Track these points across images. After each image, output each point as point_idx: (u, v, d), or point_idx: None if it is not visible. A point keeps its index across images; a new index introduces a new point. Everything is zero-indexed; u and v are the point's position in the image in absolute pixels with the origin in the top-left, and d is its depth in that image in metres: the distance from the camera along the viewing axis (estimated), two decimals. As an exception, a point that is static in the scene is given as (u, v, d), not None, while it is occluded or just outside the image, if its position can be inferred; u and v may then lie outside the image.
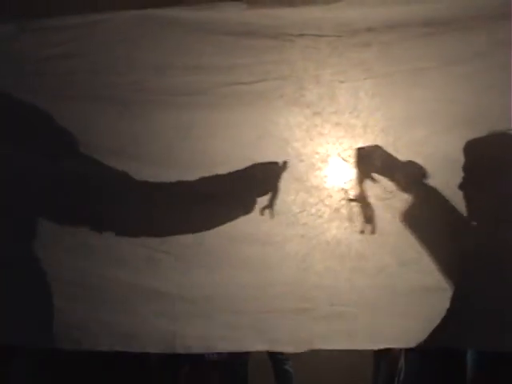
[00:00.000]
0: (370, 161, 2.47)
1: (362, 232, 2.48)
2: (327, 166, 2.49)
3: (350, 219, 2.47)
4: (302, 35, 2.42)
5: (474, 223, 2.48)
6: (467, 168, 2.43)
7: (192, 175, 2.51)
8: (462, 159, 2.42)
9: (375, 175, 2.47)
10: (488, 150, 2.43)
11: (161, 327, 2.58)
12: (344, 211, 2.49)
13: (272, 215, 2.49)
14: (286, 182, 2.51)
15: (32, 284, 2.56)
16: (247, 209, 2.51)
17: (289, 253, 2.54)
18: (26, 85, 2.51)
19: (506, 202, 2.43)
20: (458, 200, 2.45)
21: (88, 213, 2.57)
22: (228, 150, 2.51)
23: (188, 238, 2.57)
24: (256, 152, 2.50)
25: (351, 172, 2.48)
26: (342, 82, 2.44)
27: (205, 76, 2.46)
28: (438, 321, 2.47)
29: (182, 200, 2.54)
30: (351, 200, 2.48)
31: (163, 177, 2.52)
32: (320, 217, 2.50)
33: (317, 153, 2.48)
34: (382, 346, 2.67)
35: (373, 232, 2.47)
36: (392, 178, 2.47)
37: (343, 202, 2.49)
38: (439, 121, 2.44)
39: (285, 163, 2.48)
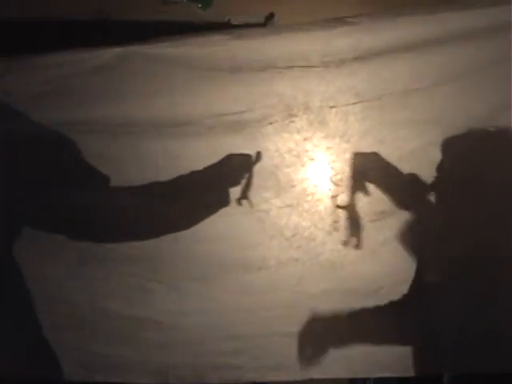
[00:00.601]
0: (365, 169, 2.48)
1: (345, 243, 2.48)
2: (319, 190, 2.47)
3: (335, 229, 2.47)
4: (289, 67, 2.40)
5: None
6: (444, 169, 2.46)
7: (180, 206, 2.52)
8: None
9: (369, 185, 2.48)
10: (467, 154, 2.46)
11: (154, 358, 2.58)
12: (336, 234, 2.48)
13: (251, 205, 2.48)
14: (278, 208, 2.50)
15: (21, 315, 2.54)
16: (222, 200, 2.51)
17: (283, 277, 2.54)
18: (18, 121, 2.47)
19: (491, 204, 2.46)
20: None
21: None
22: (216, 179, 2.50)
23: (180, 267, 2.56)
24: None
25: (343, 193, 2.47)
26: (331, 107, 2.43)
27: (192, 108, 2.44)
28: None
29: (159, 200, 2.53)
30: (338, 206, 2.48)
31: (151, 208, 2.51)
32: (313, 240, 2.50)
33: (308, 178, 2.47)
34: (380, 375, 2.65)
35: (357, 246, 2.48)
36: (389, 192, 2.48)
37: (336, 225, 2.47)
38: (430, 141, 2.45)
39: (258, 154, 2.46)
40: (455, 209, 2.48)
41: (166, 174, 2.51)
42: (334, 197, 2.48)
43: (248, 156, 2.48)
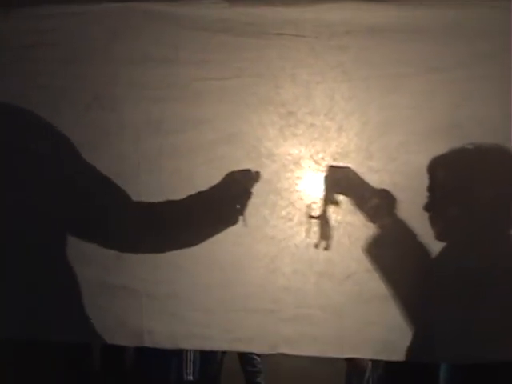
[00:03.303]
0: (338, 181, 2.46)
1: (316, 246, 2.46)
2: (299, 168, 2.45)
3: (308, 234, 2.46)
4: (280, 34, 2.39)
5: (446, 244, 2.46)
6: (435, 187, 2.43)
7: (160, 172, 2.50)
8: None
9: (340, 197, 2.46)
10: (456, 166, 2.45)
11: (129, 322, 2.58)
12: (314, 215, 2.46)
13: (245, 224, 2.48)
14: (256, 183, 2.48)
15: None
16: (231, 219, 2.50)
17: (257, 254, 2.52)
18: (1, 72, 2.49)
19: (479, 220, 2.44)
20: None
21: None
22: (198, 146, 2.48)
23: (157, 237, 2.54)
24: (227, 150, 2.47)
25: (322, 176, 2.45)
26: (318, 82, 2.41)
27: (179, 70, 2.43)
28: (406, 331, 2.45)
29: (171, 221, 2.55)
30: (311, 217, 2.46)
31: (131, 172, 2.50)
32: (290, 220, 2.48)
33: (289, 154, 2.45)
34: (347, 355, 2.62)
35: (326, 248, 2.46)
36: (359, 205, 2.46)
37: (314, 206, 2.45)
38: (414, 128, 2.42)
39: (257, 173, 2.46)
40: (447, 219, 2.47)
41: (148, 139, 2.50)
42: (325, 178, 2.47)
43: (248, 172, 2.47)
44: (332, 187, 2.46)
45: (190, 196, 2.49)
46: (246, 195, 2.48)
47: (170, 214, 2.54)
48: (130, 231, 2.56)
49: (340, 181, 2.46)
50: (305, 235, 2.47)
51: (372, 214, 2.46)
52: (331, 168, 2.45)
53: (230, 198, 2.51)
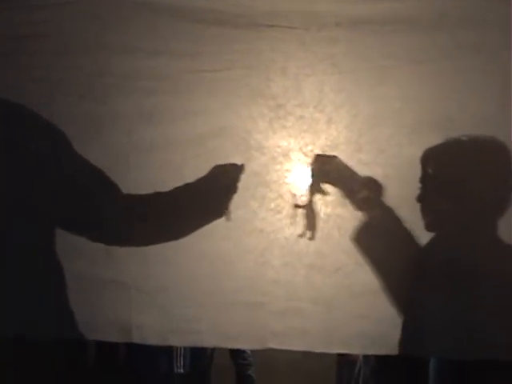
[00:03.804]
0: (325, 170, 2.45)
1: (301, 236, 2.46)
2: (288, 160, 2.46)
3: (293, 223, 2.46)
4: (271, 26, 2.40)
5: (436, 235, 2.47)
6: (426, 179, 2.43)
7: (151, 162, 2.50)
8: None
9: (328, 186, 2.46)
10: (448, 158, 2.45)
11: (117, 317, 2.56)
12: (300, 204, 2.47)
13: (228, 218, 2.48)
14: (245, 176, 2.48)
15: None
16: (218, 211, 2.49)
17: (247, 247, 2.51)
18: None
19: (472, 211, 2.44)
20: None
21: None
22: (188, 138, 2.48)
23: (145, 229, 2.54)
24: (217, 142, 2.47)
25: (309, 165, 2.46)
26: (308, 75, 2.42)
27: (170, 61, 2.44)
28: (395, 325, 2.45)
29: (160, 212, 2.54)
30: (297, 206, 2.46)
31: (123, 163, 2.49)
32: (279, 212, 2.48)
33: (279, 146, 2.45)
34: (337, 350, 2.62)
35: (311, 238, 2.46)
36: (347, 193, 2.46)
37: (303, 198, 2.45)
38: (403, 120, 2.43)
39: (242, 166, 2.46)
40: (438, 210, 2.47)
41: (140, 131, 2.50)
42: (311, 167, 2.47)
43: (235, 166, 2.47)
44: (318, 176, 2.46)
45: (178, 188, 2.49)
46: (231, 190, 2.48)
47: (158, 206, 2.53)
48: (119, 224, 2.55)
49: (326, 170, 2.46)
50: (290, 224, 2.46)
51: (360, 203, 2.47)
52: (317, 157, 2.45)
53: (217, 190, 2.50)
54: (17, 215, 2.51)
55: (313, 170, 2.46)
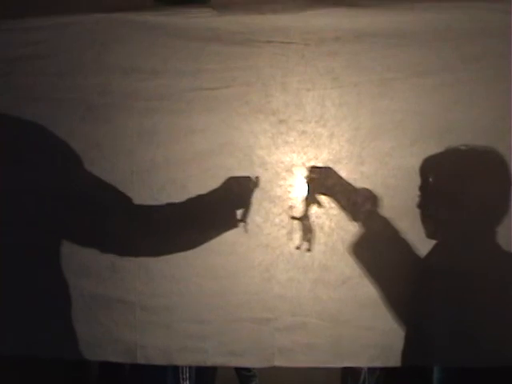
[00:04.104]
0: (320, 181, 2.46)
1: (298, 248, 2.48)
2: (291, 175, 2.46)
3: (290, 235, 2.47)
4: (269, 42, 2.40)
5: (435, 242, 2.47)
6: (426, 187, 2.44)
7: (153, 182, 2.50)
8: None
9: (323, 198, 2.46)
10: (448, 168, 2.45)
11: (122, 337, 2.56)
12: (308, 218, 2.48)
13: (246, 230, 2.47)
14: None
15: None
16: (230, 223, 2.50)
17: (252, 263, 2.52)
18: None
19: (472, 220, 2.44)
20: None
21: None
22: (191, 156, 2.48)
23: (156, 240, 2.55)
24: (220, 159, 2.47)
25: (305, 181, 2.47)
26: (308, 90, 2.42)
27: (170, 80, 2.44)
28: (402, 335, 2.47)
29: (173, 223, 2.54)
30: (293, 218, 2.47)
31: (124, 183, 2.50)
32: (283, 227, 2.48)
33: (282, 162, 2.46)
34: (344, 364, 2.62)
35: (309, 250, 2.47)
36: (342, 203, 2.46)
37: (309, 210, 2.46)
38: (405, 132, 2.43)
39: (257, 178, 2.46)
40: (438, 219, 2.48)
41: (141, 150, 2.50)
42: (306, 179, 2.47)
43: (248, 179, 2.47)
44: (313, 188, 2.46)
45: (190, 199, 2.48)
46: (246, 203, 2.48)
47: (169, 217, 2.53)
48: (129, 234, 2.55)
49: (321, 181, 2.46)
50: (287, 238, 2.46)
51: (356, 214, 2.47)
52: (312, 169, 2.46)
53: (229, 202, 2.51)
54: (23, 231, 2.52)
55: (308, 182, 2.46)
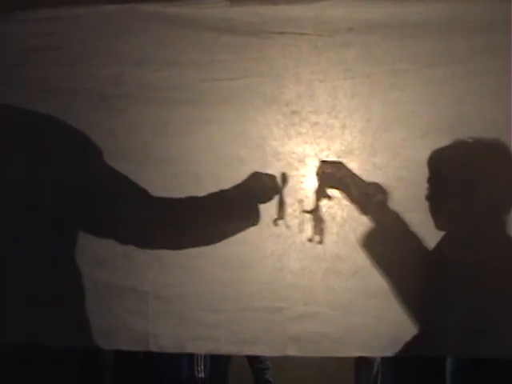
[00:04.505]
0: (331, 175, 2.47)
1: (310, 240, 2.48)
2: (304, 166, 2.47)
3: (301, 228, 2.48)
4: (282, 33, 2.42)
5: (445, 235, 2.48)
6: (436, 179, 2.45)
7: (167, 172, 2.52)
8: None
9: (334, 191, 2.47)
10: (458, 160, 2.45)
11: (135, 326, 2.57)
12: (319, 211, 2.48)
13: (288, 227, 2.49)
14: None
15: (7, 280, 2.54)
16: (253, 219, 2.52)
17: (265, 252, 2.52)
18: (5, 76, 2.50)
19: (482, 211, 2.45)
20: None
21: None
22: (204, 147, 2.50)
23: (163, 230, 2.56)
24: (233, 150, 2.49)
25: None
26: (321, 81, 2.44)
27: (184, 71, 2.47)
28: (412, 325, 2.46)
29: (194, 216, 2.55)
30: (305, 211, 2.48)
31: (138, 173, 2.52)
32: (296, 217, 2.49)
33: (294, 152, 2.47)
34: (356, 354, 2.62)
35: (320, 242, 2.48)
36: (352, 198, 2.47)
37: (319, 203, 2.46)
38: (417, 124, 2.44)
39: (284, 175, 2.48)
40: (448, 210, 2.49)
41: (155, 141, 2.52)
42: (317, 173, 2.47)
43: (273, 176, 2.48)
44: (324, 181, 2.48)
45: (213, 193, 2.50)
46: (274, 199, 2.50)
47: (190, 211, 2.55)
48: (148, 226, 2.56)
49: (332, 175, 2.48)
50: (298, 227, 2.48)
51: (365, 207, 2.48)
52: (323, 163, 2.47)
53: (252, 198, 2.52)
54: (37, 221, 2.54)
55: (318, 176, 2.48)
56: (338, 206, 2.47)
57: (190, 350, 2.69)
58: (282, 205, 2.48)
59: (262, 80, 2.45)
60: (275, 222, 2.48)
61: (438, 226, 2.46)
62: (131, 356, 3.50)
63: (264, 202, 2.50)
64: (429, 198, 2.45)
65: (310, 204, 2.49)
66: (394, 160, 2.45)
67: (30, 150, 2.53)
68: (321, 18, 2.41)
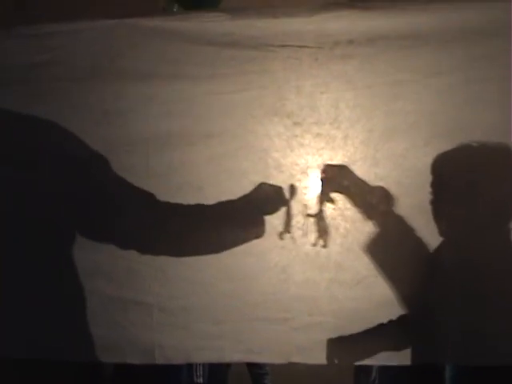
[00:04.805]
0: (334, 179, 2.48)
1: (314, 245, 2.49)
2: (306, 177, 2.48)
3: (321, 219, 2.48)
4: (283, 46, 2.42)
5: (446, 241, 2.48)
6: (439, 184, 2.45)
7: (169, 185, 2.53)
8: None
9: (337, 195, 2.48)
10: (461, 164, 2.46)
11: (140, 338, 2.58)
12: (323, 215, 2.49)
13: (294, 240, 2.50)
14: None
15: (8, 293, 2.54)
16: (257, 230, 2.52)
17: (269, 263, 2.53)
18: (7, 92, 2.51)
19: (484, 216, 2.45)
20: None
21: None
22: (206, 160, 2.51)
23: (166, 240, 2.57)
24: (235, 162, 2.50)
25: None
26: (322, 92, 2.44)
27: (184, 85, 2.47)
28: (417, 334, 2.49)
29: (199, 224, 2.56)
30: (308, 215, 2.49)
31: (141, 186, 2.52)
32: (299, 228, 2.50)
33: (296, 164, 2.48)
34: (360, 362, 2.63)
35: (324, 246, 2.49)
36: (357, 203, 2.48)
37: (323, 208, 2.48)
38: (419, 133, 2.44)
39: (292, 187, 2.48)
40: (451, 216, 2.49)
41: (155, 153, 2.54)
42: (321, 176, 2.49)
43: (280, 188, 2.48)
44: (328, 185, 2.48)
45: (220, 203, 2.51)
46: (287, 212, 2.51)
47: (193, 219, 2.55)
48: (150, 232, 2.56)
49: (335, 179, 2.48)
50: (302, 238, 2.49)
51: (369, 212, 2.49)
52: (327, 167, 2.47)
53: (257, 209, 2.53)
54: (37, 231, 2.54)
55: (322, 180, 2.48)
56: (341, 216, 2.48)
57: (195, 360, 2.73)
58: (289, 218, 2.49)
59: (263, 92, 2.45)
60: (281, 235, 2.48)
61: (441, 231, 2.46)
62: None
63: (270, 213, 2.50)
64: (432, 202, 2.45)
65: (312, 211, 2.50)
66: (396, 170, 2.46)
67: (32, 164, 2.53)
68: (321, 31, 2.41)
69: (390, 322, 2.51)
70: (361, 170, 2.47)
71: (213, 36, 2.44)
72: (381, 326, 2.51)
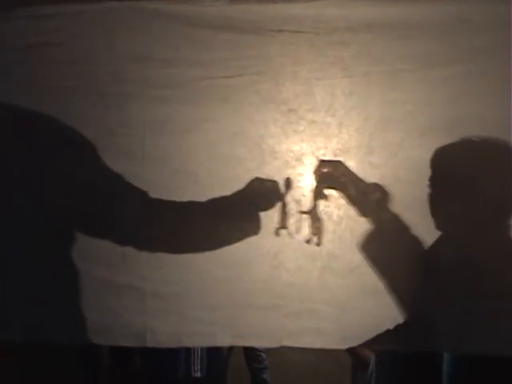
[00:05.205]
0: (328, 175, 2.48)
1: (308, 242, 2.49)
2: (301, 164, 2.48)
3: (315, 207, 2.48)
4: (281, 31, 2.42)
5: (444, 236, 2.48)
6: (436, 179, 2.45)
7: (164, 170, 2.53)
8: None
9: (332, 191, 2.48)
10: (461, 159, 2.45)
11: (133, 323, 2.58)
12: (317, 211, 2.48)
13: (291, 236, 2.51)
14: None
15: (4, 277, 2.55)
16: (255, 226, 2.53)
17: (261, 250, 2.54)
18: (5, 73, 2.51)
19: (482, 211, 2.45)
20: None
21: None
22: (202, 145, 2.51)
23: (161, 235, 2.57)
24: (230, 148, 2.50)
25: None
26: (318, 79, 2.44)
27: (182, 69, 2.46)
28: (408, 323, 2.47)
29: (196, 222, 2.56)
30: (302, 212, 2.48)
31: (136, 171, 2.52)
32: (292, 215, 2.50)
33: (291, 151, 2.47)
34: (351, 345, 2.63)
35: (318, 244, 2.49)
36: (350, 197, 2.48)
37: (317, 202, 2.47)
38: (414, 123, 2.44)
39: (288, 180, 2.48)
40: (448, 210, 2.49)
41: (153, 138, 2.52)
42: (315, 172, 2.47)
43: (276, 183, 2.48)
44: (322, 181, 2.48)
45: (214, 199, 2.51)
46: (282, 208, 2.51)
47: (190, 215, 2.56)
48: (146, 228, 2.57)
49: (330, 175, 2.48)
50: (295, 226, 2.49)
51: (364, 208, 2.49)
52: (321, 162, 2.47)
53: (253, 206, 2.54)
54: (35, 218, 2.54)
55: (316, 176, 2.48)
56: (334, 204, 2.48)
57: (187, 344, 2.77)
58: (284, 213, 2.49)
59: (259, 78, 2.45)
60: (277, 231, 2.49)
61: (438, 225, 2.46)
62: (128, 356, 3.52)
63: (265, 209, 2.51)
64: (430, 196, 2.44)
65: (306, 203, 2.50)
66: (391, 159, 2.45)
67: (28, 147, 2.53)
68: (319, 17, 2.40)
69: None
70: (355, 159, 2.46)
71: (210, 19, 2.44)
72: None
